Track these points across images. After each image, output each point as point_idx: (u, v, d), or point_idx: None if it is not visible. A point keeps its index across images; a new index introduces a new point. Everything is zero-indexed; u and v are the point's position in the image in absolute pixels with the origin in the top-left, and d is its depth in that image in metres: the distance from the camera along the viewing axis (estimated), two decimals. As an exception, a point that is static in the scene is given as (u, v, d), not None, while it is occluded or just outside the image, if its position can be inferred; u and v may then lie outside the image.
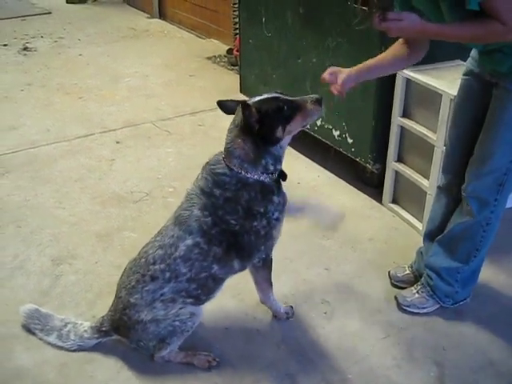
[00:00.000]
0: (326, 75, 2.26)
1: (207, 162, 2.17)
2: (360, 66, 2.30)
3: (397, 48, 2.31)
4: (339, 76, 2.23)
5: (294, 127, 2.09)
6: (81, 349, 2.32)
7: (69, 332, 2.34)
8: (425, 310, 2.56)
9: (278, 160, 2.13)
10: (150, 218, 3.23)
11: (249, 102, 2.04)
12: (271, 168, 2.10)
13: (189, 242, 2.11)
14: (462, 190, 2.34)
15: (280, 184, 2.18)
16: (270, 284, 2.43)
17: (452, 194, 2.49)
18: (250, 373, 2.27)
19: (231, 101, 2.18)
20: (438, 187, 2.59)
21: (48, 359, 2.31)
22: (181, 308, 2.16)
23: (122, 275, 2.28)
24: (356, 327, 2.50)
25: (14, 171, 3.76)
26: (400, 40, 2.30)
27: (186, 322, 2.17)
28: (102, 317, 2.32)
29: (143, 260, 2.19)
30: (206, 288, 2.20)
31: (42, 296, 2.65)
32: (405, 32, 2.02)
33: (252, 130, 2.01)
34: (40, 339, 2.37)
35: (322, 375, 2.26)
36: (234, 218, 2.10)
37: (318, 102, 2.08)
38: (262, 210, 2.11)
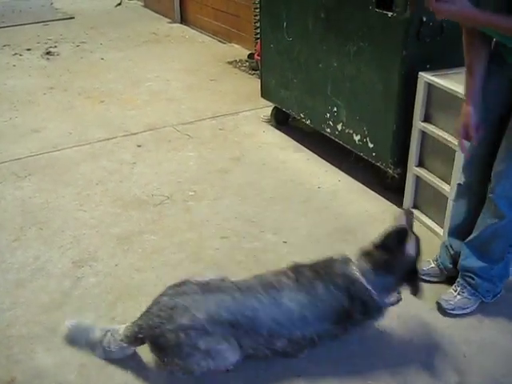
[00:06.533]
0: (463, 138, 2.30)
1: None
2: (470, 89, 2.26)
3: (477, 41, 2.21)
4: (470, 126, 2.26)
5: None
6: (123, 357, 2.27)
7: (109, 343, 2.23)
8: (468, 310, 2.55)
9: None
10: (171, 221, 3.24)
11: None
12: None
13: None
14: (490, 192, 2.33)
15: None
16: None
17: (473, 190, 2.52)
18: (266, 376, 2.26)
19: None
20: (459, 185, 2.61)
21: (68, 360, 2.32)
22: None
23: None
24: (375, 333, 2.48)
25: (36, 174, 3.81)
26: (467, 38, 2.22)
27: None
28: (139, 325, 2.17)
29: None
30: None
31: (62, 297, 2.67)
32: (453, 16, 1.98)
33: None
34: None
35: (340, 380, 2.25)
36: None
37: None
38: None
